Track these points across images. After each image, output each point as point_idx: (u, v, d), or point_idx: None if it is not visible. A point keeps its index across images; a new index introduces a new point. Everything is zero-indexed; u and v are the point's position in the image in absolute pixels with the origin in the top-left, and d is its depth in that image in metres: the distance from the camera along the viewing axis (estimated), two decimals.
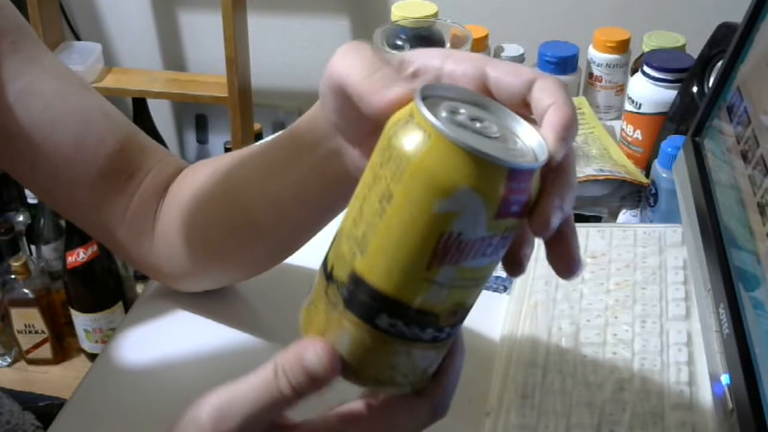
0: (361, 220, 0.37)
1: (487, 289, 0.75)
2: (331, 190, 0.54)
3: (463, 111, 0.37)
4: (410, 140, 0.35)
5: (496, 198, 0.34)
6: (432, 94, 0.37)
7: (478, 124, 0.36)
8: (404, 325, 0.37)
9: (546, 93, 0.39)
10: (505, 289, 0.75)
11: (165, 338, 0.72)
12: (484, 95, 0.39)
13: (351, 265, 0.37)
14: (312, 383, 0.38)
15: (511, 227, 0.36)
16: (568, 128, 0.37)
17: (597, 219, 0.84)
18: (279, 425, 0.40)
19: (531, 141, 0.37)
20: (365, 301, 0.37)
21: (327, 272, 0.38)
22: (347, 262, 0.37)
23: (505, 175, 0.34)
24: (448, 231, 0.34)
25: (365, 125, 0.44)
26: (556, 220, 0.37)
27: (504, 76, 0.40)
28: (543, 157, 0.36)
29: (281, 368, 0.38)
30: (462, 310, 0.38)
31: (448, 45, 0.77)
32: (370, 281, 0.36)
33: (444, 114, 0.36)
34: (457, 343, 0.42)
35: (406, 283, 0.36)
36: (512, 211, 0.35)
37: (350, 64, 0.41)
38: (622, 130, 0.94)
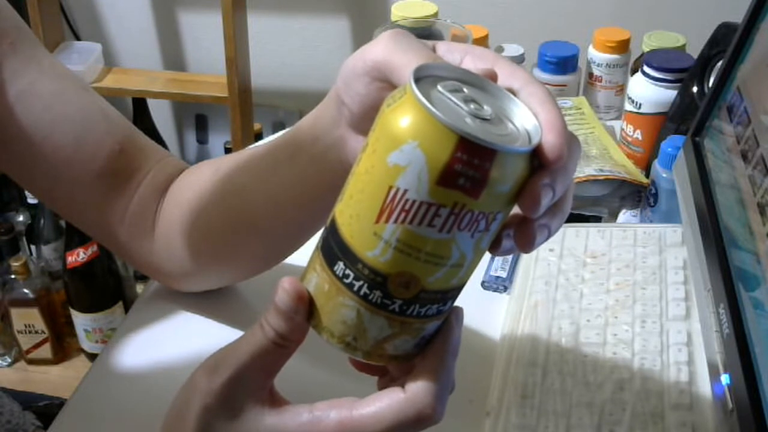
0: (350, 170, 0.39)
1: (487, 289, 0.75)
2: (329, 184, 0.54)
3: (463, 92, 0.38)
4: (391, 99, 0.37)
5: (440, 162, 0.35)
6: (431, 74, 0.38)
7: (472, 105, 0.37)
8: (355, 278, 0.38)
9: (534, 98, 0.39)
10: (505, 289, 0.75)
11: (165, 338, 0.72)
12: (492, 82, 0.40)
13: (332, 209, 0.40)
14: (285, 320, 0.40)
15: (463, 204, 0.36)
16: (561, 125, 0.38)
17: (597, 219, 0.84)
18: (273, 398, 0.42)
19: (527, 124, 0.38)
20: (331, 246, 0.39)
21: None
22: (332, 208, 0.40)
23: (453, 142, 0.35)
24: (396, 185, 0.36)
25: None
26: (545, 199, 0.37)
27: (503, 79, 0.41)
28: (521, 142, 0.37)
29: (264, 317, 0.41)
30: (415, 285, 0.38)
31: None
32: (338, 226, 0.38)
33: (439, 87, 0.37)
34: (441, 345, 0.41)
35: (360, 232, 0.37)
36: (459, 184, 0.35)
37: (391, 44, 0.43)
38: (622, 130, 0.94)
